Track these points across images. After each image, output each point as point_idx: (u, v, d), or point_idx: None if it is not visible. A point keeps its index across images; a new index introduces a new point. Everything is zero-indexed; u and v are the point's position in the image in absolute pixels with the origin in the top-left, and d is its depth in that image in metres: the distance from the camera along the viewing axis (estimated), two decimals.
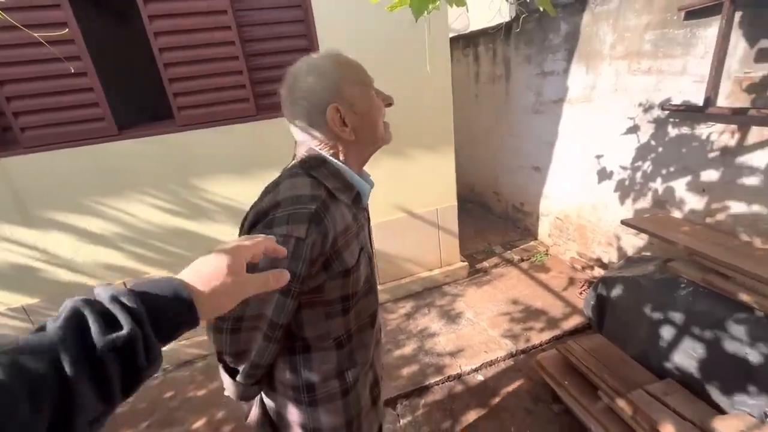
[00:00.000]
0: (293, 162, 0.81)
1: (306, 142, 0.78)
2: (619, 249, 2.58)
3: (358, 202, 0.81)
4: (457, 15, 4.06)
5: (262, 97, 2.11)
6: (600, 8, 2.36)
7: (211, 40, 1.94)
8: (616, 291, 2.01)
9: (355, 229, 0.80)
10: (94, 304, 0.37)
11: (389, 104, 0.83)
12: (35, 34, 1.30)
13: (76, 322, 0.35)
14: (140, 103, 3.02)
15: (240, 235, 0.75)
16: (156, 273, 2.20)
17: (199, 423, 1.97)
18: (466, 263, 2.97)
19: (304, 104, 0.74)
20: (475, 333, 2.39)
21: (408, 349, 2.31)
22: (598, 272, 2.74)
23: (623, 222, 2.11)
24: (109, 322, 0.36)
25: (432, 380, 2.08)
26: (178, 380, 2.27)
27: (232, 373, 0.80)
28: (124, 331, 0.36)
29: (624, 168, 2.41)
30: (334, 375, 0.84)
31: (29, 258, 1.98)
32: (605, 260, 2.72)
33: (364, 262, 0.84)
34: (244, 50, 2.00)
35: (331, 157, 0.78)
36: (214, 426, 1.95)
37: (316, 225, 0.69)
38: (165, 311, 0.40)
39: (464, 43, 3.90)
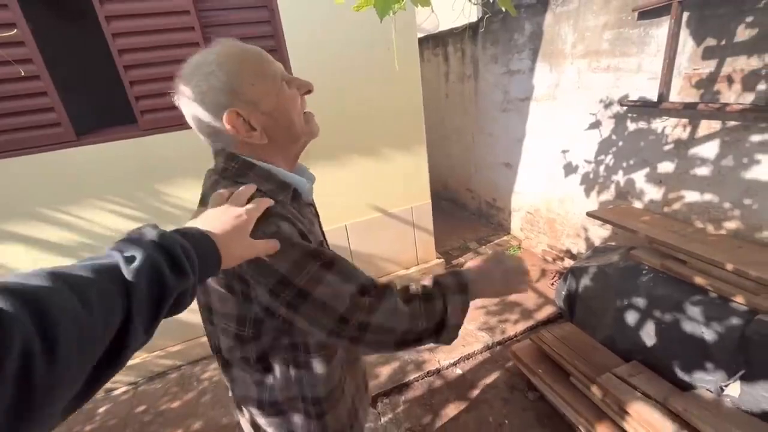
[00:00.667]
0: (212, 172, 0.72)
1: (222, 150, 0.69)
2: (587, 240, 2.69)
3: (298, 199, 0.74)
4: (426, 15, 4.11)
5: None
6: (561, 9, 2.45)
7: (174, 41, 1.88)
8: (585, 280, 2.09)
9: (307, 227, 0.71)
10: (164, 250, 0.45)
11: (307, 91, 0.72)
12: None
13: (152, 269, 0.42)
14: (101, 107, 2.89)
15: None
16: None
17: None
18: (442, 260, 3.01)
19: (200, 113, 0.64)
20: None
21: None
22: (568, 263, 2.85)
23: (588, 214, 2.20)
24: (176, 268, 0.44)
25: (412, 377, 2.10)
26: (150, 393, 2.19)
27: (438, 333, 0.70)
28: (189, 281, 0.46)
29: (588, 162, 2.52)
30: (325, 386, 0.78)
31: None
32: (574, 251, 2.83)
33: None
34: None
35: (257, 161, 0.69)
36: None
37: (277, 218, 0.64)
38: (206, 265, 0.50)
39: (434, 43, 3.95)
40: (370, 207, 2.60)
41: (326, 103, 2.23)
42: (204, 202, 0.69)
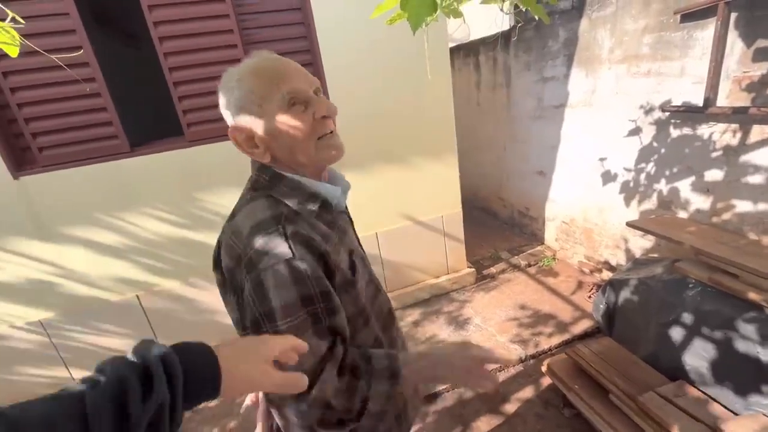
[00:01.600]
0: (248, 184, 0.74)
1: (254, 161, 0.72)
2: (627, 251, 2.57)
3: (328, 207, 0.72)
4: (457, 25, 4.13)
5: None
6: (597, 14, 2.39)
7: (218, 59, 2.01)
8: (625, 293, 2.00)
9: (336, 236, 0.71)
10: (137, 366, 0.38)
11: (325, 116, 0.67)
12: (53, 57, 1.37)
13: (117, 391, 0.36)
14: (151, 120, 3.12)
15: (214, 269, 0.71)
16: (165, 283, 2.25)
17: None
18: (473, 269, 2.98)
19: (226, 118, 0.69)
20: (483, 339, 2.39)
21: None
22: (607, 275, 2.73)
23: (629, 224, 2.11)
24: (148, 386, 0.37)
25: (441, 387, 2.08)
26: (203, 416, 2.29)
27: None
28: (159, 400, 0.37)
29: (628, 170, 2.42)
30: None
31: (46, 273, 2.04)
32: (613, 263, 2.71)
33: (360, 264, 0.76)
34: None
35: (287, 173, 0.69)
36: None
37: (294, 241, 0.61)
38: (196, 382, 0.41)
39: (465, 52, 3.96)
40: (400, 215, 2.62)
41: (358, 113, 2.29)
42: (233, 216, 0.70)
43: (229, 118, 0.69)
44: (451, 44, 3.78)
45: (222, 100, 0.68)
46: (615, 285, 2.06)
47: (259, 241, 0.60)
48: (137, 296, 2.22)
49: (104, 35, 2.99)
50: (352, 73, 2.22)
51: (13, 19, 1.02)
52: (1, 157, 1.82)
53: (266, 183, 0.69)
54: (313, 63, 2.20)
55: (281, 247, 0.59)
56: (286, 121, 0.64)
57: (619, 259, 2.66)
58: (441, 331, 2.51)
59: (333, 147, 0.70)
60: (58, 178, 1.92)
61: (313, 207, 0.69)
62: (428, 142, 2.51)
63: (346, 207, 0.84)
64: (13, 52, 1.03)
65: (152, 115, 3.38)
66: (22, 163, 1.91)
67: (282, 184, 0.69)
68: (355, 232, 0.88)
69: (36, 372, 2.17)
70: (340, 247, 0.71)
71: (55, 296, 2.09)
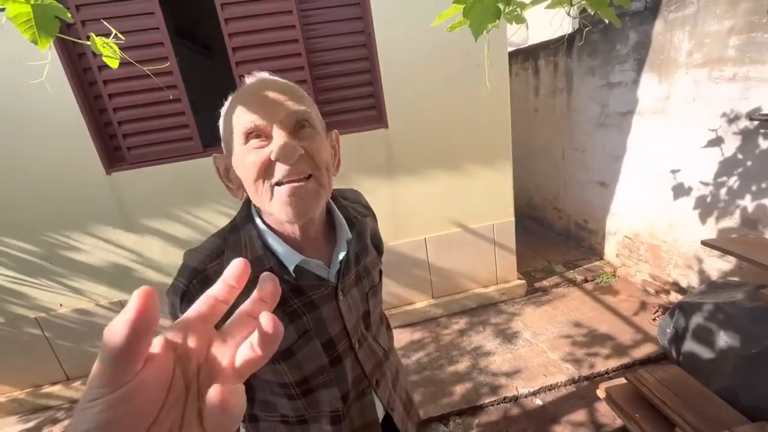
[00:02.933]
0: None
1: None
2: (701, 272, 2.34)
3: (283, 275, 0.59)
4: (515, 30, 4.03)
5: (327, 116, 2.27)
6: (674, 15, 2.22)
7: (283, 66, 2.13)
8: (697, 319, 1.82)
9: (283, 313, 0.60)
10: None
11: (276, 160, 0.52)
12: (146, 69, 1.54)
13: None
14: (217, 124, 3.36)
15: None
16: None
17: None
18: (523, 281, 2.87)
19: None
20: (533, 354, 2.29)
21: (461, 366, 2.27)
22: (675, 297, 2.50)
23: (705, 243, 1.92)
24: None
25: (486, 400, 2.02)
26: None
27: None
28: None
29: (705, 184, 2.21)
30: None
31: (127, 259, 2.28)
32: (683, 284, 2.48)
33: (313, 350, 0.64)
34: (312, 73, 2.18)
35: (256, 214, 0.62)
36: None
37: (188, 302, 0.55)
38: None
39: (523, 57, 3.84)
40: (450, 222, 2.59)
41: (414, 119, 2.32)
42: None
43: None
44: (509, 49, 3.69)
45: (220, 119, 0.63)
46: (686, 308, 1.89)
47: (173, 282, 0.61)
48: None
49: (182, 45, 3.30)
50: (410, 79, 2.25)
51: (115, 36, 1.17)
52: (98, 155, 2.07)
53: (237, 221, 0.64)
54: (371, 70, 2.26)
55: (176, 300, 0.58)
56: (239, 156, 0.54)
57: (690, 280, 2.42)
58: (487, 342, 2.45)
59: (290, 199, 0.53)
60: (141, 175, 2.15)
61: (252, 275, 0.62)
62: (483, 148, 2.47)
63: (332, 279, 0.66)
64: (114, 64, 1.17)
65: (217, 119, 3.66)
66: (114, 161, 2.16)
67: (245, 229, 0.62)
68: (341, 312, 0.67)
69: None
70: (287, 322, 0.61)
71: (133, 280, 2.32)
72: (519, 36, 4.37)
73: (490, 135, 2.46)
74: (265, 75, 0.58)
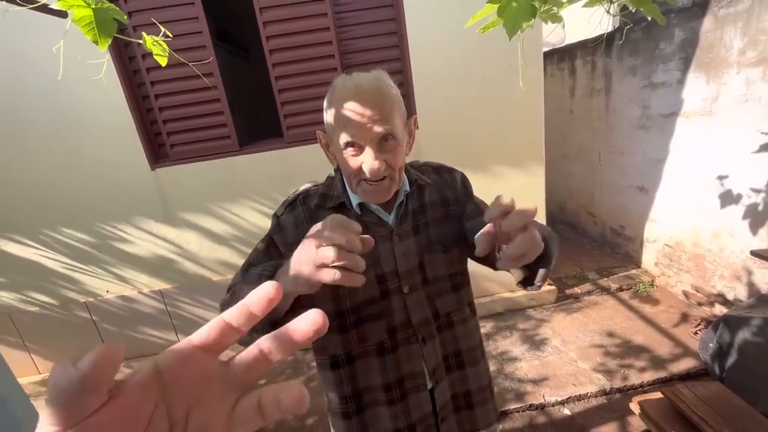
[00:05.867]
0: None
1: None
2: (749, 285, 2.19)
3: (347, 211, 0.78)
4: (551, 29, 3.92)
5: None
6: (725, 11, 2.10)
7: (318, 68, 2.19)
8: (745, 334, 1.71)
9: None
10: None
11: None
12: (191, 65, 1.62)
13: None
14: (252, 123, 3.49)
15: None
16: None
17: None
18: (554, 287, 2.79)
19: None
20: (562, 363, 2.22)
21: None
22: (720, 310, 2.35)
23: (755, 253, 1.80)
24: None
25: (511, 406, 1.99)
26: (270, 370, 2.51)
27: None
28: None
29: (756, 191, 2.07)
30: (336, 394, 0.81)
31: (167, 251, 2.41)
32: (729, 297, 2.32)
33: (367, 278, 0.71)
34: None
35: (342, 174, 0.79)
36: (299, 417, 2.11)
37: (291, 209, 0.79)
38: None
39: (559, 57, 3.74)
40: None
41: (443, 117, 2.31)
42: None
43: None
44: (545, 49, 3.60)
45: (324, 103, 0.75)
46: (731, 323, 1.78)
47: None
48: None
49: (221, 48, 3.45)
50: (441, 80, 2.25)
51: (165, 35, 1.25)
52: (144, 151, 2.21)
53: (333, 174, 0.83)
54: (402, 71, 2.27)
55: (280, 208, 0.81)
56: (341, 154, 0.72)
57: (737, 293, 2.27)
58: (514, 348, 2.40)
59: (369, 192, 0.74)
60: (182, 171, 2.27)
61: (324, 204, 0.79)
62: (514, 150, 2.43)
63: (402, 226, 0.81)
64: (163, 61, 1.24)
65: (253, 118, 3.80)
66: (158, 157, 2.30)
67: (335, 179, 0.82)
68: (395, 255, 0.80)
69: (153, 333, 2.58)
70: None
71: (172, 271, 2.46)
72: (555, 36, 4.26)
73: (522, 136, 2.41)
74: (366, 79, 0.69)
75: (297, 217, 0.78)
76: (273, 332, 0.24)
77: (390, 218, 0.80)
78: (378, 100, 0.68)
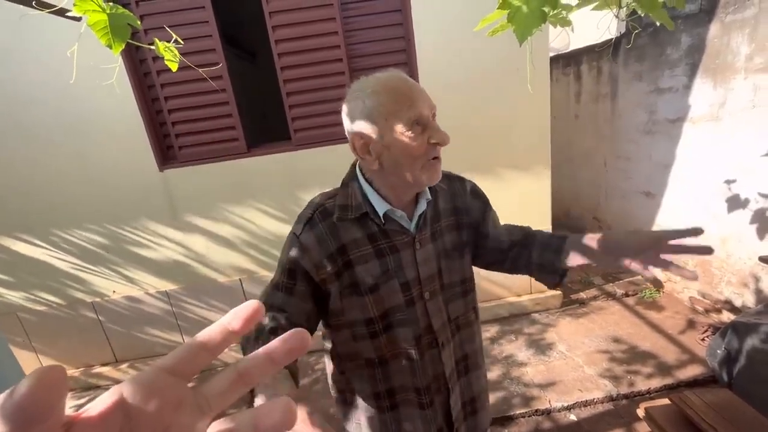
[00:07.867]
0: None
1: (356, 159, 0.81)
2: (757, 291, 2.18)
3: (369, 220, 0.77)
4: (557, 34, 3.94)
5: None
6: (732, 17, 2.10)
7: (325, 72, 2.20)
8: (753, 341, 1.70)
9: (372, 249, 0.77)
10: None
11: (437, 143, 0.72)
12: (201, 71, 1.64)
13: None
14: (259, 125, 3.51)
15: None
16: (265, 272, 2.51)
17: None
18: (559, 292, 2.78)
19: (346, 124, 0.76)
20: (568, 368, 2.21)
21: (492, 374, 2.23)
22: (728, 317, 2.34)
23: (762, 259, 1.80)
24: None
25: (517, 411, 1.98)
26: None
27: None
28: None
29: (764, 196, 2.06)
30: (371, 395, 0.83)
31: (174, 252, 2.42)
32: (737, 303, 2.31)
33: (392, 287, 0.78)
34: (352, 78, 2.24)
35: (361, 175, 0.78)
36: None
37: (310, 227, 0.76)
38: None
39: (564, 62, 3.75)
40: None
41: (448, 120, 2.31)
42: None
43: (347, 125, 0.75)
44: (550, 54, 3.61)
45: (346, 108, 0.74)
46: (739, 329, 1.77)
47: (300, 213, 0.81)
48: (240, 280, 2.52)
49: (229, 52, 3.48)
50: (447, 84, 2.26)
51: (176, 41, 1.26)
52: (153, 153, 2.23)
53: (346, 180, 0.81)
54: (410, 74, 2.28)
55: (297, 226, 0.78)
56: (406, 138, 0.70)
57: (745, 299, 2.26)
58: (520, 352, 2.39)
59: (436, 171, 0.75)
60: (190, 173, 2.29)
61: (350, 215, 0.77)
62: (520, 154, 2.44)
63: (410, 228, 0.81)
64: (174, 66, 1.26)
65: (260, 120, 3.83)
66: (166, 159, 2.31)
67: (351, 183, 0.79)
68: (416, 261, 0.81)
69: (159, 334, 2.58)
70: (375, 260, 0.77)
71: (179, 272, 2.47)
72: (560, 41, 4.26)
73: (528, 141, 2.42)
74: (400, 73, 0.73)
75: (318, 234, 0.75)
76: (252, 354, 0.23)
77: (411, 225, 0.81)
78: (415, 84, 0.72)
